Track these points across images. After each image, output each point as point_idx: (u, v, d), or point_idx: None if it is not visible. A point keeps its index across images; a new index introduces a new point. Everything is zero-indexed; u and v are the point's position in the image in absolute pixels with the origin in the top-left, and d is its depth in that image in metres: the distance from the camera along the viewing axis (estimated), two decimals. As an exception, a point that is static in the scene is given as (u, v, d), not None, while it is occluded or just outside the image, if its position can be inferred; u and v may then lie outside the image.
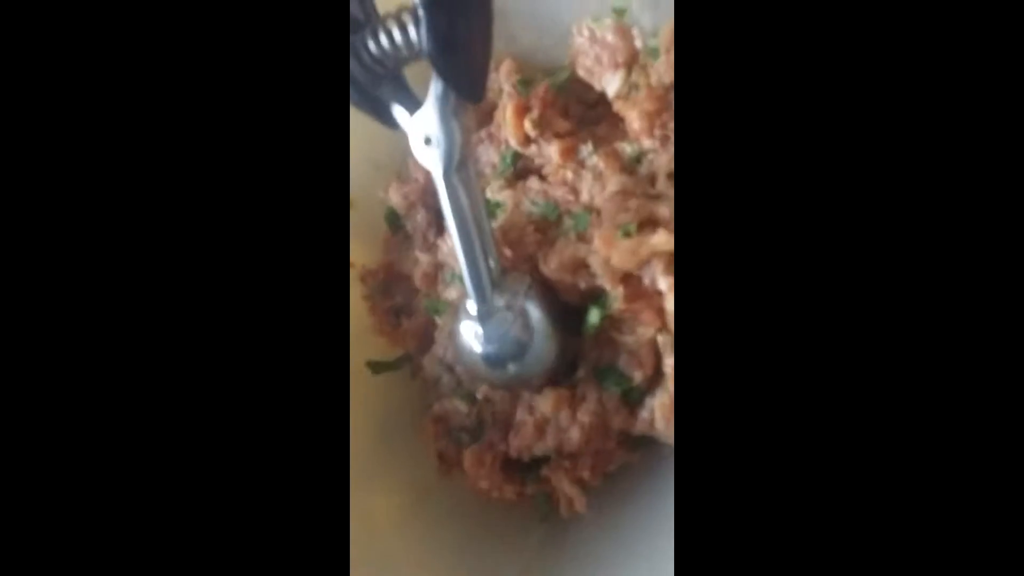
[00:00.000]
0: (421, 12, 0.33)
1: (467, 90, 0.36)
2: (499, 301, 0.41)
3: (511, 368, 0.42)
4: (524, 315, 0.41)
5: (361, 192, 0.52)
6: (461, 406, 0.46)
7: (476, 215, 0.39)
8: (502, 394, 0.45)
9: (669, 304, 0.38)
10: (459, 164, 0.38)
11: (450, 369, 0.48)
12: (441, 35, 0.33)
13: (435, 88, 0.37)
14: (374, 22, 0.36)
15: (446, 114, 0.37)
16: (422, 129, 0.38)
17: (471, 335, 0.42)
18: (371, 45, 0.36)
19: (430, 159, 0.38)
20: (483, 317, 0.41)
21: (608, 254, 0.39)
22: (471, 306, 0.41)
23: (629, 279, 0.39)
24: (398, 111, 0.39)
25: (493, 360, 0.42)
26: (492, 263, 0.41)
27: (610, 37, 0.46)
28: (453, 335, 0.44)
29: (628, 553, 0.42)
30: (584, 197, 0.46)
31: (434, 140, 0.38)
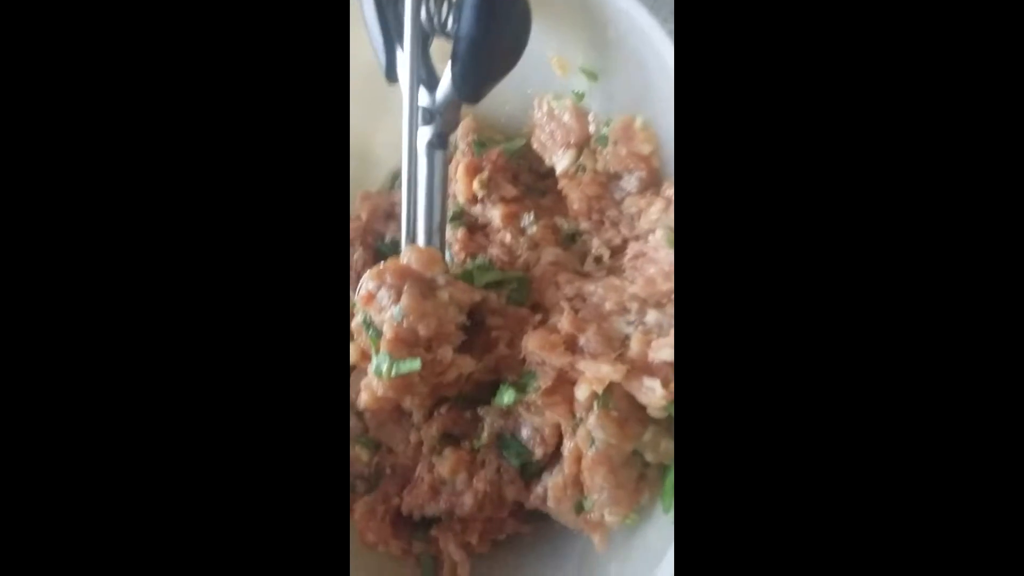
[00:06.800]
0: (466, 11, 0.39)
1: (470, 93, 0.42)
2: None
3: None
4: None
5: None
6: (363, 454, 0.46)
7: (442, 189, 0.44)
8: (404, 447, 0.45)
9: (580, 393, 0.39)
10: (443, 142, 0.44)
11: (359, 414, 0.47)
12: (472, 34, 0.39)
13: (451, 74, 0.41)
14: None
15: (454, 98, 0.42)
16: (426, 100, 0.43)
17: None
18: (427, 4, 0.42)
19: (423, 129, 0.43)
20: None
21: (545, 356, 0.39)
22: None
23: (560, 374, 0.40)
24: (404, 71, 0.43)
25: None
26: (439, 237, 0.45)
27: (566, 117, 0.47)
28: None
29: (504, 626, 0.42)
30: (519, 263, 0.47)
31: (435, 112, 0.43)
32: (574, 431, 0.39)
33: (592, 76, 0.46)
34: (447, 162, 0.45)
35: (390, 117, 0.54)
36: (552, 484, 0.40)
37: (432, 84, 0.43)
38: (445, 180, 0.44)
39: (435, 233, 0.44)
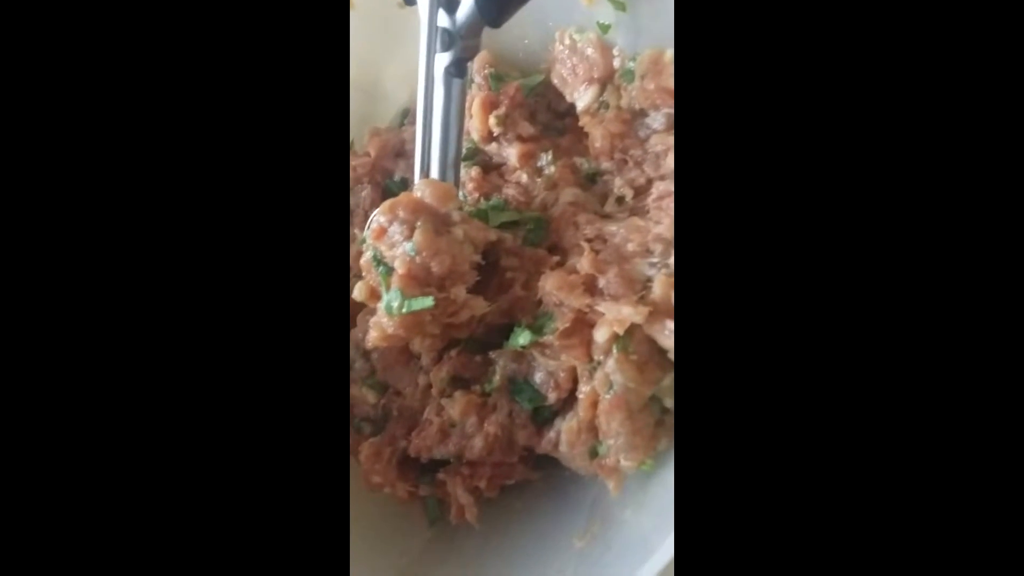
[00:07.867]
0: None
1: (494, 14, 0.40)
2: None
3: None
4: None
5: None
6: (369, 395, 0.45)
7: (458, 121, 0.42)
8: (412, 390, 0.43)
9: (600, 335, 0.37)
10: (461, 69, 0.41)
11: (366, 355, 0.46)
12: None
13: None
14: None
15: (476, 20, 0.40)
16: (446, 22, 0.41)
17: None
18: None
19: (441, 55, 0.41)
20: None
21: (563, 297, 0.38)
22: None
23: (578, 316, 0.38)
24: None
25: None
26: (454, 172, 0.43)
27: (590, 51, 0.45)
28: None
29: (510, 571, 0.42)
30: (536, 204, 0.45)
31: (455, 36, 0.40)
32: (591, 375, 0.38)
33: (620, 5, 0.43)
34: (465, 92, 0.42)
35: (402, 51, 0.52)
36: (566, 428, 0.39)
37: (452, 7, 0.40)
38: (462, 112, 0.42)
39: (449, 168, 0.42)
